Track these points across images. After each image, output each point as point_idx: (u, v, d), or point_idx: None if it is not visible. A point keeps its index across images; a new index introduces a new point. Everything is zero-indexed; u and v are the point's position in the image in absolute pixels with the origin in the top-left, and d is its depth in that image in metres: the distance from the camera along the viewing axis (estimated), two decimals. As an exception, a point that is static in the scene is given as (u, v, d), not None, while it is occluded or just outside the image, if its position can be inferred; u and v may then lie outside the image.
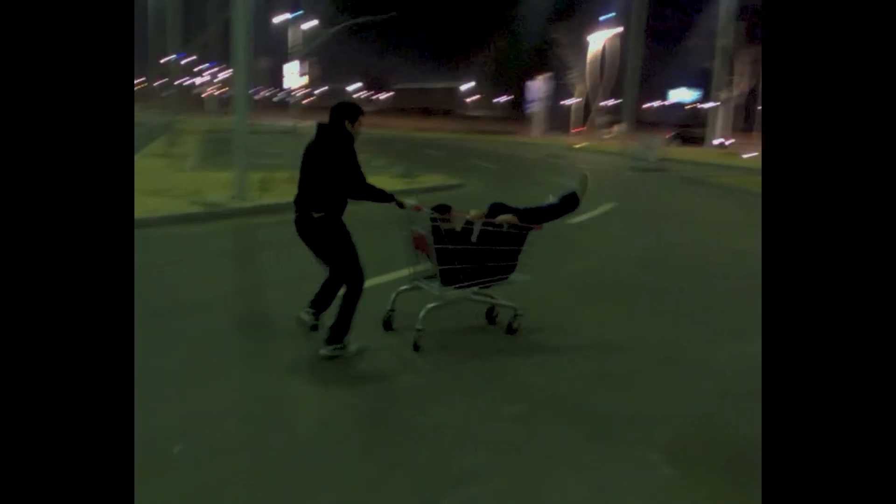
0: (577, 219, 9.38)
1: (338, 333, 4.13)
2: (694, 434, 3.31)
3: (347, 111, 4.37)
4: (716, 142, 37.57)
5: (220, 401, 3.41)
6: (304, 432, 3.14)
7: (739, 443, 3.21)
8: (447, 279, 4.44)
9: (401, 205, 4.62)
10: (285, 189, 10.86)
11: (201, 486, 2.62)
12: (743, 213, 12.40)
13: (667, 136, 33.51)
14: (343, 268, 4.29)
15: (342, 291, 4.25)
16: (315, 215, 4.14)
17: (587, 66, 45.61)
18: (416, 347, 4.27)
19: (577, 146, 34.40)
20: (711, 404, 3.68)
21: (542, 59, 52.94)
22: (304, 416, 3.33)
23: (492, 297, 4.81)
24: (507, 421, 3.33)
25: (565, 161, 25.12)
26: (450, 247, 4.47)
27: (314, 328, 4.27)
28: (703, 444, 3.20)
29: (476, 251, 4.59)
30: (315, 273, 5.93)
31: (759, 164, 24.57)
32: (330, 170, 4.20)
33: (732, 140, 38.52)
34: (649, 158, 20.76)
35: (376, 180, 14.10)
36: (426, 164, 19.40)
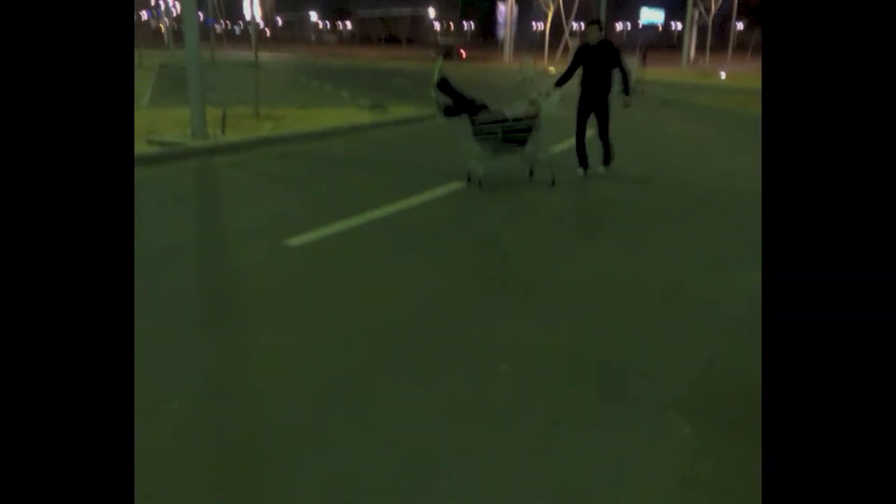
0: (562, 147, 8.93)
1: (608, 158, 7.65)
2: (709, 382, 3.00)
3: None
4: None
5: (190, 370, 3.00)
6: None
7: (758, 390, 2.91)
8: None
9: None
10: (247, 125, 10.19)
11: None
12: (725, 135, 12.04)
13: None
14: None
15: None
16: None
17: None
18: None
19: (552, 70, 33.50)
20: (721, 344, 3.38)
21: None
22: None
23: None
24: (503, 381, 2.97)
25: (541, 86, 24.37)
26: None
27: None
28: (720, 395, 2.89)
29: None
30: (274, 219, 5.49)
31: (733, 83, 24.17)
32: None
33: (701, 60, 37.87)
34: (625, 81, 20.12)
35: (344, 113, 13.47)
36: (395, 94, 18.62)
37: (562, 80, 7.41)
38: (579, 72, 7.49)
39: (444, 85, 7.09)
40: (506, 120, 6.98)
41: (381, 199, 6.20)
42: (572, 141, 7.84)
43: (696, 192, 7.04)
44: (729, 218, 6.01)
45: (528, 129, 7.05)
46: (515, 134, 7.03)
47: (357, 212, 5.72)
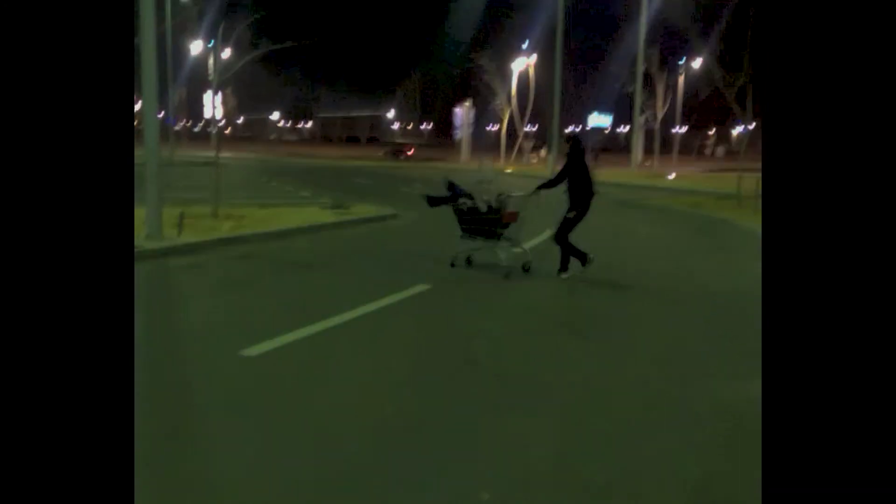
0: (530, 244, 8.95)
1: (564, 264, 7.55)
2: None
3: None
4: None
5: None
6: None
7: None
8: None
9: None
10: (206, 225, 9.99)
11: None
12: (680, 235, 12.33)
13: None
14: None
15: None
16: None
17: (511, 93, 46.23)
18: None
19: (507, 171, 34.51)
20: (711, 460, 3.20)
21: (465, 85, 53.41)
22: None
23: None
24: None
25: (497, 187, 24.94)
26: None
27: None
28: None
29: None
30: (233, 325, 5.24)
31: (683, 185, 25.20)
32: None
33: (649, 163, 39.79)
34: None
35: (305, 212, 13.33)
36: (356, 193, 18.76)
37: (547, 185, 7.70)
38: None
39: (450, 185, 8.10)
40: (476, 209, 7.77)
41: (345, 301, 6.00)
42: (538, 239, 7.85)
43: (662, 294, 7.04)
44: (695, 320, 5.97)
45: (496, 223, 7.59)
46: (483, 224, 7.69)
47: (320, 316, 5.49)
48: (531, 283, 7.32)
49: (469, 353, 4.82)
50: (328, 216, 12.14)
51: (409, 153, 52.86)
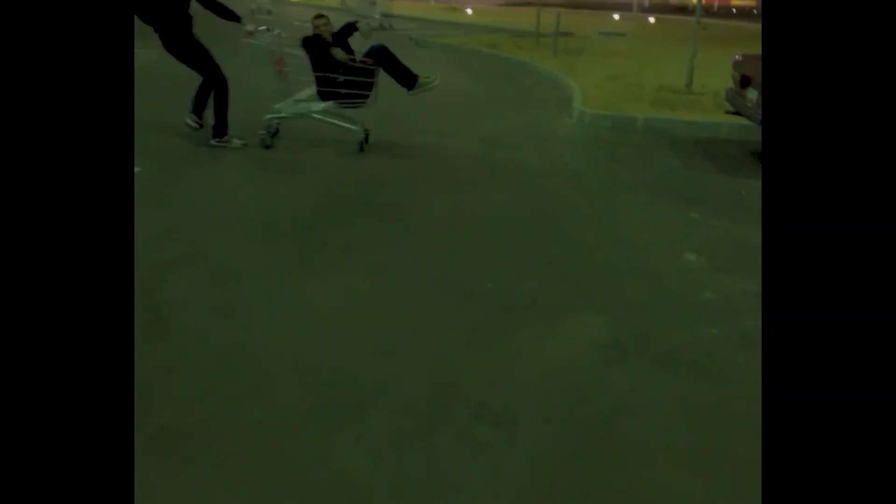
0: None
1: (219, 129, 5.73)
2: None
3: None
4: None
5: None
6: None
7: None
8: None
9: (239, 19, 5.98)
10: None
11: None
12: (478, 83, 10.98)
13: None
14: (206, 73, 5.80)
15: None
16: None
17: None
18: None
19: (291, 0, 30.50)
20: (555, 457, 1.97)
21: None
22: None
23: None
24: None
25: (276, 18, 21.59)
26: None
27: (200, 126, 5.94)
28: None
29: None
30: None
31: (481, 21, 23.75)
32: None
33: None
34: (373, 16, 18.42)
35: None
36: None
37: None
38: None
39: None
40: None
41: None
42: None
43: (458, 175, 5.66)
44: (502, 219, 4.59)
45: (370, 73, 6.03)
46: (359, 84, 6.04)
47: None
48: (289, 157, 5.57)
49: (170, 291, 3.13)
50: None
51: None
